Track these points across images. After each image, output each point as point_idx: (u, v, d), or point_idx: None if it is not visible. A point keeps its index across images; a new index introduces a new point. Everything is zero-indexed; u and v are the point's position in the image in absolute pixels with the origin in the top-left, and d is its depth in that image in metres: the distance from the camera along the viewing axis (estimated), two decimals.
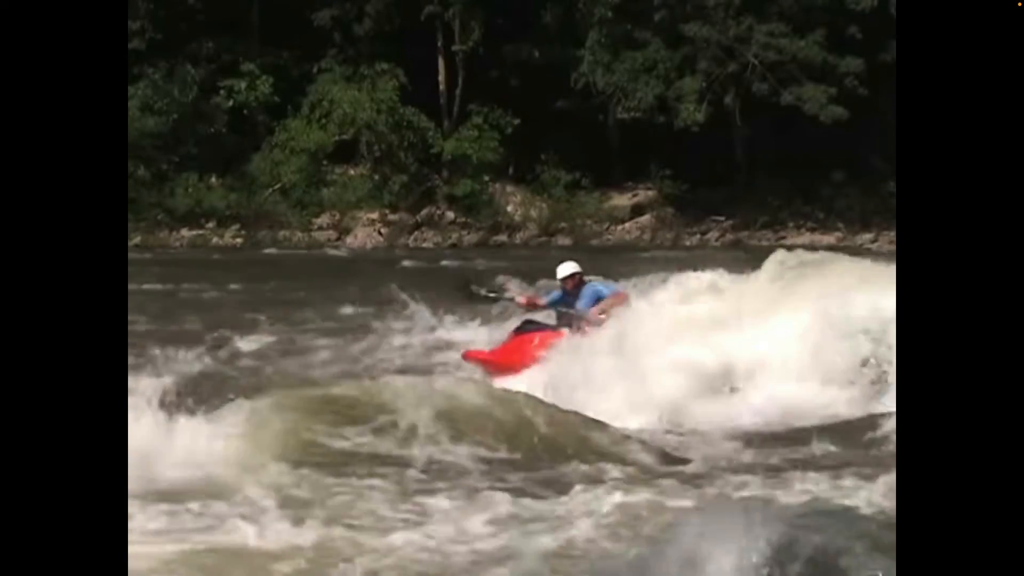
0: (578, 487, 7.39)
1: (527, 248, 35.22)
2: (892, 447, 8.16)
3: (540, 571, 5.94)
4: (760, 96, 36.25)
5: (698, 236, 37.14)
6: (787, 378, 10.49)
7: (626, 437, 8.84)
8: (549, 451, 8.39)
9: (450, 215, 37.61)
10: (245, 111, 37.43)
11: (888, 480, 7.22)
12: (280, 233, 36.08)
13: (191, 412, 8.34)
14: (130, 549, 4.65)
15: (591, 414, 9.21)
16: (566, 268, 11.75)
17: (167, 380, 11.18)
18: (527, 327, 11.38)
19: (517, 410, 8.91)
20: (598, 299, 11.44)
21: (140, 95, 35.49)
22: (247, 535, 6.35)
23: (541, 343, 10.95)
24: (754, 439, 9.24)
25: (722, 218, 38.00)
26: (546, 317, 11.83)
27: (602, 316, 11.15)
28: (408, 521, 6.78)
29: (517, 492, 7.38)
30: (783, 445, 9.00)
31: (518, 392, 9.33)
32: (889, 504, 6.50)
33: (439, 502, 7.13)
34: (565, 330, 11.24)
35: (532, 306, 11.69)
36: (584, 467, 8.00)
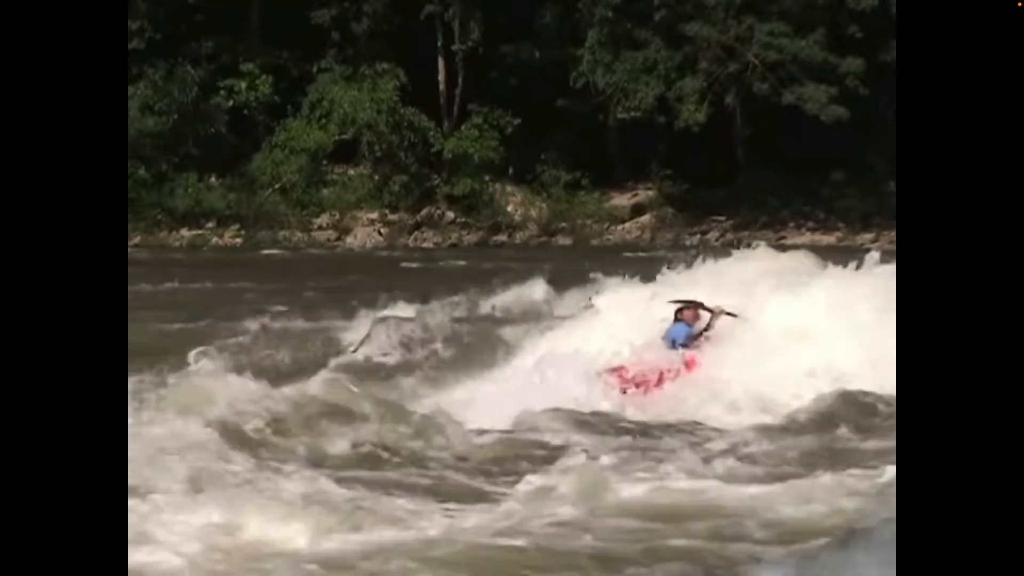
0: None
1: (527, 248, 35.19)
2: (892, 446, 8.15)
3: None
4: (761, 96, 36.26)
5: (698, 236, 37.12)
6: None
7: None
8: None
9: (450, 215, 37.61)
10: (245, 111, 37.43)
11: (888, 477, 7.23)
12: (280, 233, 36.07)
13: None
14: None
15: None
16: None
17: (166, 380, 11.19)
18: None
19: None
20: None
21: (140, 95, 35.50)
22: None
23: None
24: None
25: (722, 218, 38.00)
26: None
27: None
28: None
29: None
30: None
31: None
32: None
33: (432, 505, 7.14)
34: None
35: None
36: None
